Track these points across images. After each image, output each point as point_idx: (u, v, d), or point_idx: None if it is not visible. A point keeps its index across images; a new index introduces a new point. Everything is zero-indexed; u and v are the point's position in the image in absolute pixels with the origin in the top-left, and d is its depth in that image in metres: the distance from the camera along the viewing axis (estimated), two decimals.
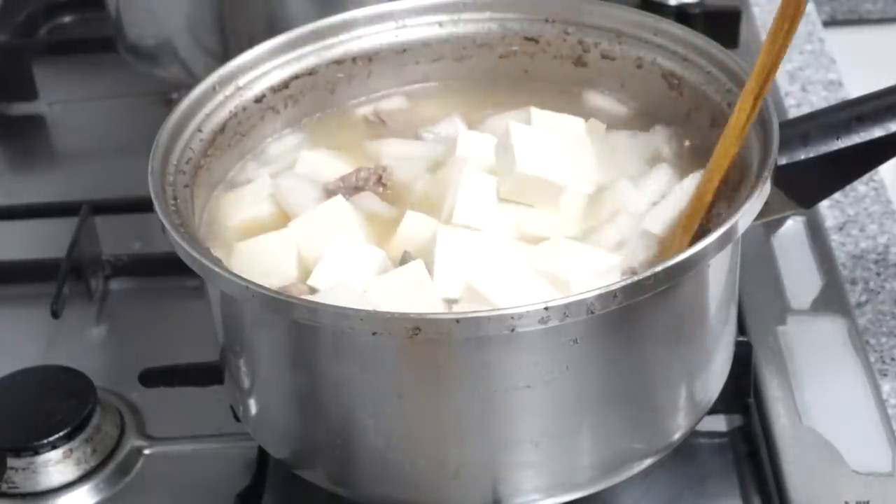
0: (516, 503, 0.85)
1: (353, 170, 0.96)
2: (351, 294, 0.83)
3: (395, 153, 0.99)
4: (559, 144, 0.93)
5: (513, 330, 0.76)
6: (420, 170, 0.97)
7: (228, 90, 0.97)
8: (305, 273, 0.88)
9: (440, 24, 1.03)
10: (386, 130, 1.02)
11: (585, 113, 0.99)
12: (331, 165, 0.98)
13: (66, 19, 1.57)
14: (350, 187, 0.95)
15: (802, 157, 0.87)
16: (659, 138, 0.97)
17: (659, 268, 0.77)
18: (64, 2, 1.57)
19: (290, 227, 0.91)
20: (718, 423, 0.99)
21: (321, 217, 0.91)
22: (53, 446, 0.97)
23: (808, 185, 0.89)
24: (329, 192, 0.95)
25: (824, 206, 1.17)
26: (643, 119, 0.99)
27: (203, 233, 0.92)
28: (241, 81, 0.98)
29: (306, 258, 0.89)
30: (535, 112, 0.97)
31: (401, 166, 0.97)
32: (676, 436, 0.88)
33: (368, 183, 0.95)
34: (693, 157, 0.95)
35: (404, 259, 0.87)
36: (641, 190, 0.93)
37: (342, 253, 0.87)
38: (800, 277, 1.08)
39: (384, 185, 0.96)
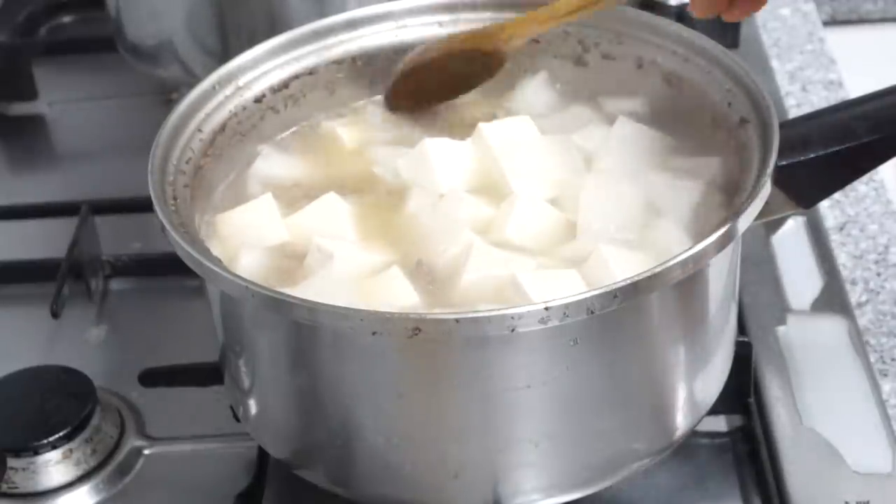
0: (516, 503, 0.85)
1: None
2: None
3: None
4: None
5: (513, 330, 0.75)
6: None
7: (228, 90, 0.97)
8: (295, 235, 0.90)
9: (440, 24, 1.03)
10: None
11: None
12: (290, 168, 0.98)
13: (66, 19, 1.57)
14: None
15: (802, 157, 0.87)
16: None
17: (659, 268, 0.77)
18: (64, 2, 1.57)
19: (286, 224, 0.91)
20: (718, 423, 0.99)
21: (314, 213, 0.92)
22: (53, 446, 0.97)
23: (808, 185, 0.89)
24: None
25: (824, 206, 1.17)
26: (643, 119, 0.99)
27: (203, 233, 0.92)
28: (241, 81, 0.98)
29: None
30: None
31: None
32: (676, 436, 0.88)
33: None
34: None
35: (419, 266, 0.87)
36: None
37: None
38: (800, 277, 1.08)
39: None
